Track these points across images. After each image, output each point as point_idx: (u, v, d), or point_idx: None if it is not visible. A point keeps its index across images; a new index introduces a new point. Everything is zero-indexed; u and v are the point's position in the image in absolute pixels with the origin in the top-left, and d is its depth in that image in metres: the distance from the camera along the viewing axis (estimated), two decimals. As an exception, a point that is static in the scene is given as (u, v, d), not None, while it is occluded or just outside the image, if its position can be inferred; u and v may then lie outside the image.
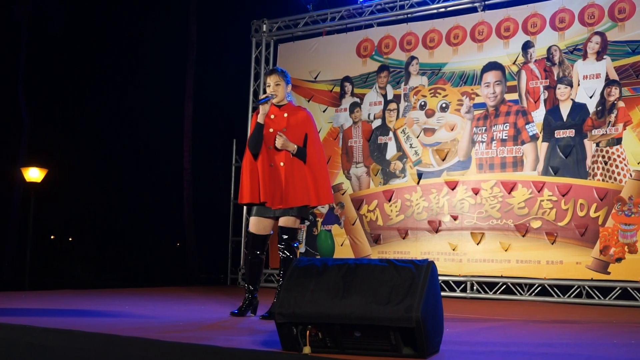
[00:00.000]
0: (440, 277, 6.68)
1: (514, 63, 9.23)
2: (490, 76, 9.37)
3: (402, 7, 10.31)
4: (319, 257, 10.05)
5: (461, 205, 9.30)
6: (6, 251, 17.76)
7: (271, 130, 5.54)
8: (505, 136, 9.12)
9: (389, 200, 9.83)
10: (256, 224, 5.57)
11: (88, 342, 3.79)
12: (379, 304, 3.32)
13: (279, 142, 5.44)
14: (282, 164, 5.47)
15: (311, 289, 3.48)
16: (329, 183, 5.69)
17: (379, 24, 10.52)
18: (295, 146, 5.47)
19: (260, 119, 5.56)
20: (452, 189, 9.39)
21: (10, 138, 18.82)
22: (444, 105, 9.63)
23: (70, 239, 25.73)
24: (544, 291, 8.79)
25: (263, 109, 5.56)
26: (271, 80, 5.62)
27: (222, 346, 3.46)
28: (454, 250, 9.29)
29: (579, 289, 8.55)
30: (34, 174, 12.98)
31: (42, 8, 18.83)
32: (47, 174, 13.22)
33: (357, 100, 10.37)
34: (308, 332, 3.41)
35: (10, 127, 18.96)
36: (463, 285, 9.33)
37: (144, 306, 6.42)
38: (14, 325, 4.05)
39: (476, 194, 9.19)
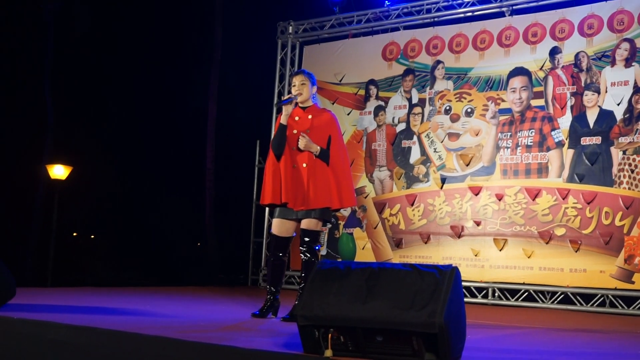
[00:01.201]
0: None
1: (540, 69, 9.16)
2: (517, 81, 9.30)
3: (428, 11, 10.28)
4: (340, 260, 10.02)
5: (484, 210, 9.24)
6: (29, 247, 17.90)
7: (295, 131, 5.54)
8: (531, 142, 9.05)
9: (412, 205, 9.79)
10: (279, 226, 5.56)
11: (110, 340, 3.80)
12: (402, 308, 3.30)
13: (301, 143, 5.44)
14: (304, 165, 5.47)
15: (334, 292, 3.47)
16: (352, 186, 5.68)
17: (405, 28, 10.49)
18: (319, 147, 5.47)
19: (283, 120, 5.57)
20: (476, 195, 9.33)
21: (36, 135, 18.96)
22: (469, 110, 9.58)
23: (92, 237, 25.88)
24: (566, 299, 8.72)
25: (286, 109, 5.57)
26: (297, 80, 5.64)
27: (244, 347, 3.45)
28: (476, 256, 9.23)
29: (602, 298, 8.47)
30: (58, 171, 13.07)
31: (70, 5, 18.97)
32: (71, 172, 13.30)
33: (382, 103, 10.34)
34: (330, 335, 3.40)
35: (35, 124, 19.10)
36: (485, 292, 9.27)
37: (166, 305, 6.44)
38: (37, 321, 4.07)
39: (500, 200, 9.13)
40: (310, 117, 5.59)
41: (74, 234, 25.04)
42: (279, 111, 8.76)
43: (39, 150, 18.30)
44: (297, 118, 5.60)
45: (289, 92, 5.70)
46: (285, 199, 5.45)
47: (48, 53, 18.63)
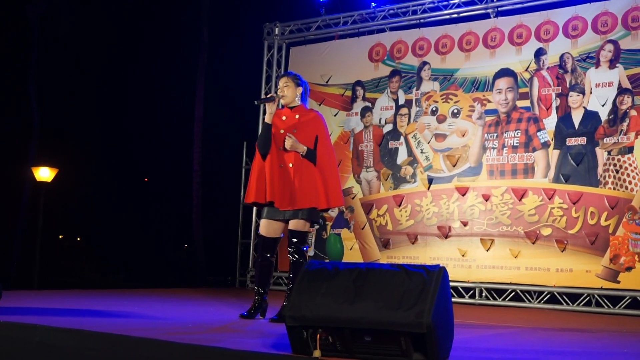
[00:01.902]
0: (449, 283, 6.71)
1: (526, 70, 9.21)
2: (502, 83, 9.35)
3: (414, 12, 10.31)
4: (328, 260, 10.02)
5: (471, 211, 9.28)
6: (15, 250, 17.81)
7: (282, 131, 5.56)
8: (517, 143, 9.09)
9: (399, 205, 9.81)
10: (266, 227, 5.57)
11: (98, 342, 3.79)
12: (390, 308, 3.31)
13: (288, 143, 5.45)
14: (291, 165, 5.48)
15: (322, 293, 3.48)
16: (339, 186, 5.69)
17: (392, 29, 10.52)
18: (305, 148, 5.48)
19: (267, 118, 5.61)
20: (463, 195, 9.37)
21: (21, 137, 18.88)
22: (455, 111, 9.61)
23: (78, 239, 25.78)
24: (553, 299, 8.76)
25: (270, 108, 5.59)
26: (281, 82, 5.71)
27: (232, 348, 3.45)
28: (463, 256, 9.26)
29: (588, 298, 8.52)
30: (44, 174, 13.03)
31: (54, 8, 18.88)
32: (57, 174, 13.26)
33: (369, 104, 10.36)
34: (318, 335, 3.41)
35: (20, 126, 19.02)
36: (472, 292, 9.30)
37: (153, 307, 6.43)
38: (24, 324, 4.06)
39: (486, 200, 9.17)
40: (297, 117, 5.61)
41: (60, 237, 24.93)
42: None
43: (25, 153, 18.22)
44: (284, 118, 5.62)
45: (276, 93, 5.72)
46: (271, 198, 5.46)
47: (33, 55, 18.55)
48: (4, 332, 4.03)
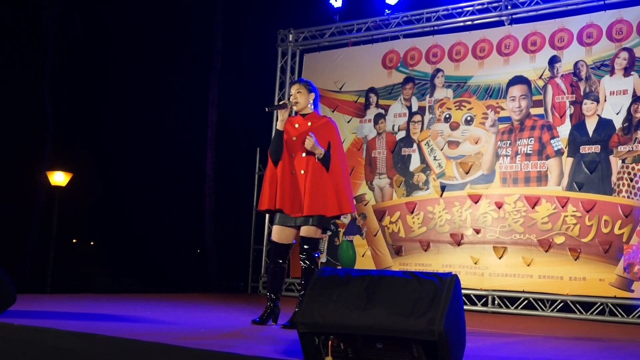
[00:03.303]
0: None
1: (540, 77, 9.19)
2: (516, 90, 9.32)
3: (428, 20, 10.31)
4: (340, 267, 10.02)
5: (484, 218, 9.25)
6: (29, 253, 17.90)
7: (294, 138, 5.55)
8: (530, 150, 9.07)
9: (412, 212, 9.80)
10: (278, 233, 5.57)
11: (109, 346, 3.81)
12: (402, 316, 3.30)
13: (308, 143, 5.41)
14: (302, 171, 5.48)
15: (334, 300, 3.47)
16: (351, 193, 5.67)
17: (405, 36, 10.51)
18: (323, 150, 5.47)
19: (279, 125, 5.60)
20: (475, 202, 9.34)
21: (35, 142, 18.99)
22: (468, 118, 9.60)
23: (92, 243, 25.88)
24: (566, 307, 8.72)
25: (281, 115, 5.58)
26: (293, 89, 5.69)
27: (244, 354, 3.46)
28: (475, 264, 9.24)
29: (601, 306, 8.47)
30: (59, 178, 13.10)
31: (69, 14, 19.00)
32: (71, 178, 13.32)
33: (382, 111, 10.36)
34: (330, 342, 3.41)
35: (35, 131, 19.14)
36: (484, 300, 9.27)
37: (165, 312, 6.44)
38: (38, 327, 4.08)
39: (499, 208, 9.14)
40: (309, 124, 5.60)
41: (74, 241, 25.03)
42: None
43: (39, 157, 18.32)
44: (296, 125, 5.62)
45: (288, 100, 5.72)
46: (281, 204, 5.46)
47: (47, 60, 18.66)
48: (18, 335, 4.06)
